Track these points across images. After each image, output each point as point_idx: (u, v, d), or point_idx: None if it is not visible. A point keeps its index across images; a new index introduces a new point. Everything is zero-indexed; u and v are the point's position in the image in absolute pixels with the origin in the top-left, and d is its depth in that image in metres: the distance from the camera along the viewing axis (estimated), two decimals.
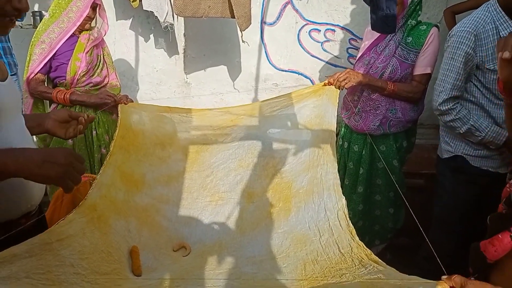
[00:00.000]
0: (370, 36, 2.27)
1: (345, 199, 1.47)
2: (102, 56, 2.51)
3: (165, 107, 1.92)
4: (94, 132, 2.46)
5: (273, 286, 1.27)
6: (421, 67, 2.13)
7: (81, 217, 1.25)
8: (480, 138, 1.79)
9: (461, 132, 1.82)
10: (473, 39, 1.71)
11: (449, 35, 1.83)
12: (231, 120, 1.90)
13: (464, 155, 1.90)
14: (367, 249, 1.20)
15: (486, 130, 1.78)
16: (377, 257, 1.15)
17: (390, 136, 2.26)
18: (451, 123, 1.84)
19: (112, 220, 1.40)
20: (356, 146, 2.37)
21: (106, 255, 1.27)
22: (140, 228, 1.51)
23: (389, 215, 2.42)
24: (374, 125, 2.22)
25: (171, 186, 1.74)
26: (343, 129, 2.46)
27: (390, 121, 2.23)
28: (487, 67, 1.73)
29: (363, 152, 2.34)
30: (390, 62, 2.12)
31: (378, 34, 2.18)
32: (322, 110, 1.84)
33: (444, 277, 0.87)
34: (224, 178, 1.79)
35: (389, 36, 2.14)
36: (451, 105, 1.82)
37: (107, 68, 2.55)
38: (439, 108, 1.85)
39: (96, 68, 2.46)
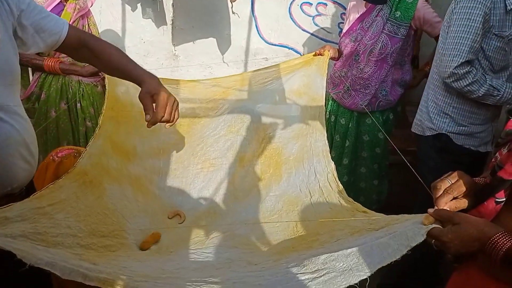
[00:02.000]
0: (355, 10, 2.24)
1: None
2: (87, 26, 2.44)
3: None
4: (78, 105, 2.42)
5: (266, 242, 1.32)
6: (440, 24, 2.04)
7: (72, 182, 1.25)
8: (499, 97, 1.73)
9: (480, 95, 1.73)
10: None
11: None
12: (222, 93, 1.90)
13: (448, 133, 1.91)
14: (356, 203, 1.27)
15: (504, 88, 1.72)
16: (366, 208, 1.21)
17: (376, 112, 2.27)
18: (468, 87, 1.74)
19: (106, 184, 1.41)
20: (343, 119, 2.40)
21: (103, 217, 1.29)
22: (135, 194, 1.53)
23: (374, 186, 2.48)
24: (363, 104, 2.22)
25: (162, 158, 1.76)
26: (330, 102, 2.48)
27: (380, 101, 2.24)
28: (494, 32, 1.69)
29: (350, 125, 2.38)
30: (380, 39, 2.11)
31: (364, 9, 2.16)
32: (310, 80, 1.85)
33: (430, 210, 0.91)
34: (214, 145, 1.82)
35: (375, 11, 2.12)
36: (467, 68, 1.72)
37: (91, 31, 2.47)
38: (455, 72, 1.73)
39: None
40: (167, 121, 1.22)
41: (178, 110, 1.26)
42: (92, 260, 1.01)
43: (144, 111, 1.20)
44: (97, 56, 1.27)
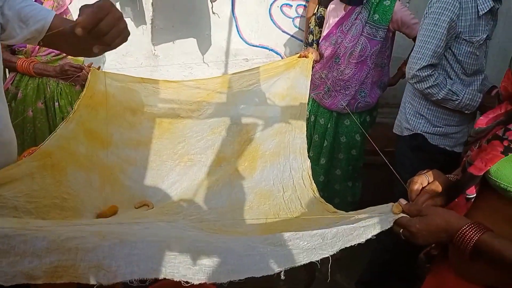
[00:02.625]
0: (334, 13, 2.28)
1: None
2: None
3: (137, 77, 1.89)
4: (56, 104, 2.38)
5: (234, 231, 1.30)
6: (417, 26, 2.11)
7: (32, 160, 1.18)
8: (457, 102, 1.81)
9: (439, 98, 1.82)
10: (458, 6, 1.71)
11: (430, 1, 1.81)
12: (206, 95, 1.89)
13: (424, 133, 1.97)
14: (327, 204, 1.27)
15: (463, 93, 1.79)
16: (336, 210, 1.21)
17: (355, 114, 2.33)
18: (429, 90, 1.83)
19: (69, 171, 1.35)
20: (323, 119, 2.44)
21: (60, 201, 1.23)
22: (102, 184, 1.49)
23: (348, 188, 2.54)
24: (342, 105, 2.27)
25: (139, 150, 1.73)
26: (310, 102, 2.52)
27: (358, 102, 2.29)
28: (463, 37, 1.75)
29: (329, 126, 2.42)
30: (359, 41, 2.16)
31: (343, 12, 2.20)
32: (294, 81, 1.87)
33: (402, 200, 0.93)
34: (196, 144, 1.81)
35: (354, 14, 2.17)
36: (429, 71, 1.80)
37: None
38: (417, 74, 1.82)
39: None
40: (104, 33, 0.87)
41: (123, 36, 0.92)
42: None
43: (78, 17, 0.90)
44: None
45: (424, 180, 1.00)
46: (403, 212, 0.92)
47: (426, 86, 1.83)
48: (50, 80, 2.32)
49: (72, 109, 2.37)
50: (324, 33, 2.34)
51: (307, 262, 0.80)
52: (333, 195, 2.56)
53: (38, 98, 2.34)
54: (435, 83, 1.81)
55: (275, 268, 0.77)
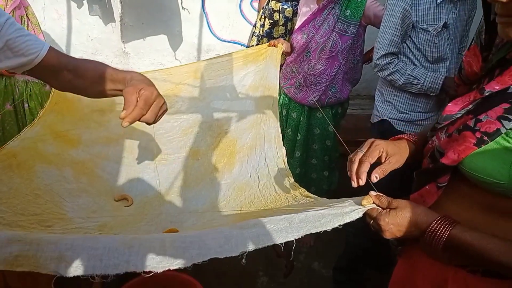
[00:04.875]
0: (306, 5, 2.30)
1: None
2: (25, 16, 2.30)
3: None
4: (26, 106, 2.32)
5: (210, 227, 1.29)
6: None
7: None
8: (419, 86, 1.90)
9: (400, 83, 1.93)
10: None
11: None
12: (174, 87, 1.86)
13: (390, 119, 2.05)
14: (301, 188, 1.27)
15: (424, 77, 1.88)
16: (310, 193, 1.21)
17: (326, 108, 2.37)
18: (390, 77, 1.94)
19: (38, 168, 1.31)
20: (295, 113, 2.47)
21: (33, 197, 1.20)
22: (77, 176, 1.45)
23: (324, 177, 2.59)
24: (313, 100, 2.31)
25: (110, 146, 1.70)
26: (282, 96, 2.54)
27: (329, 98, 2.33)
28: (420, 26, 1.84)
29: (301, 119, 2.45)
30: (331, 37, 2.19)
31: (316, 7, 2.23)
32: (265, 73, 1.87)
33: (372, 192, 0.93)
34: (168, 144, 1.78)
35: (326, 10, 2.19)
36: (388, 59, 1.92)
37: (33, 29, 2.36)
38: (377, 63, 1.95)
39: None
40: (148, 122, 1.04)
41: (165, 112, 1.10)
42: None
43: (124, 106, 1.02)
44: (81, 75, 1.14)
45: (360, 155, 0.99)
46: (374, 203, 0.91)
47: (387, 74, 1.95)
48: (18, 81, 2.25)
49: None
50: (297, 26, 2.36)
51: (270, 244, 0.79)
52: (309, 184, 2.59)
53: (6, 99, 2.28)
54: (395, 69, 1.92)
55: (240, 249, 0.76)
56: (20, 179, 1.22)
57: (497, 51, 0.92)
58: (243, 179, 1.55)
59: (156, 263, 0.72)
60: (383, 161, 0.99)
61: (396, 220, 0.87)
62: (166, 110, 1.10)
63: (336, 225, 0.84)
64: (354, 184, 0.95)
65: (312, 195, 1.20)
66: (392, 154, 0.99)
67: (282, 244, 0.78)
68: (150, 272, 0.70)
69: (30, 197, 1.20)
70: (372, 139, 1.02)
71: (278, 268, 2.31)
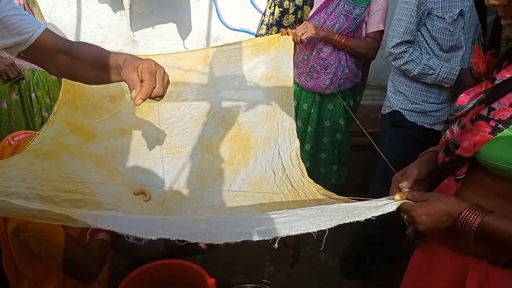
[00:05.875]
0: None
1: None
2: (25, 5, 2.26)
3: None
4: (33, 95, 2.32)
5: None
6: (374, 24, 2.20)
7: (23, 156, 1.16)
8: (434, 76, 1.86)
9: (415, 73, 1.88)
10: None
11: None
12: (184, 73, 1.83)
13: (401, 110, 2.02)
14: (317, 184, 1.28)
15: (440, 67, 1.85)
16: (328, 191, 1.21)
17: (339, 94, 2.34)
18: (405, 66, 1.90)
19: (64, 156, 1.32)
20: (306, 104, 2.44)
21: (65, 178, 1.20)
22: (98, 169, 1.47)
23: (333, 172, 2.56)
24: (325, 84, 2.29)
25: (124, 138, 1.70)
26: (293, 86, 2.51)
27: (340, 79, 2.31)
28: (436, 13, 1.80)
29: (312, 111, 2.43)
30: (339, 20, 2.17)
31: None
32: (278, 63, 1.84)
33: (405, 189, 0.95)
34: (180, 135, 1.78)
35: None
36: (403, 48, 1.88)
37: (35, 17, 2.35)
38: (391, 51, 1.90)
39: None
40: (159, 95, 1.00)
41: (168, 83, 1.06)
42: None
43: (130, 87, 0.99)
44: (76, 57, 1.12)
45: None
46: (407, 198, 0.92)
47: (402, 63, 1.90)
48: (25, 70, 2.25)
49: (49, 100, 2.35)
50: (310, 14, 2.35)
51: (303, 232, 0.77)
52: (317, 178, 2.58)
53: (12, 89, 2.27)
54: (410, 58, 1.87)
55: (272, 234, 0.75)
56: (50, 163, 1.22)
57: (507, 43, 0.92)
58: (258, 173, 1.54)
59: (189, 237, 0.73)
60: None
61: (429, 211, 0.88)
62: (169, 80, 1.06)
63: (369, 216, 0.84)
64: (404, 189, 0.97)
65: (331, 193, 1.19)
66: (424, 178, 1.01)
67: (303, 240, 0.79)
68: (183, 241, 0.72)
69: (63, 178, 1.20)
70: (404, 169, 1.04)
71: (285, 258, 2.31)
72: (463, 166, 0.93)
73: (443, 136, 1.02)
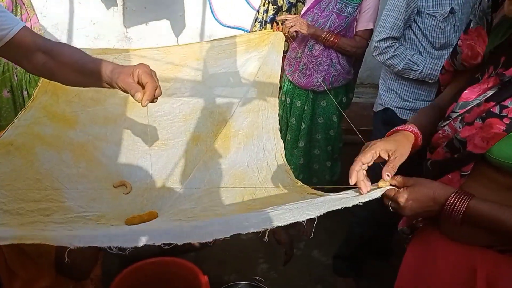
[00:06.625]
0: None
1: (288, 154, 1.52)
2: None
3: (98, 49, 1.77)
4: (25, 93, 2.30)
5: (213, 214, 1.29)
6: (364, 23, 2.20)
7: None
8: (418, 72, 1.87)
9: (400, 68, 1.89)
10: None
11: None
12: (173, 68, 1.80)
13: (393, 107, 2.02)
14: (304, 185, 1.26)
15: (424, 63, 1.86)
16: (315, 190, 1.19)
17: (331, 92, 2.35)
18: (389, 61, 1.91)
19: (38, 150, 1.30)
20: (299, 101, 2.45)
21: (34, 182, 1.18)
22: (76, 160, 1.43)
23: (327, 168, 2.57)
24: (318, 81, 2.29)
25: (108, 127, 1.66)
26: (286, 83, 2.52)
27: (332, 76, 2.32)
28: (426, 11, 1.81)
29: (305, 108, 2.43)
30: (330, 17, 2.18)
31: None
32: (267, 58, 1.83)
33: (387, 175, 0.92)
34: (168, 128, 1.75)
35: None
36: (389, 43, 1.89)
37: (26, 11, 2.32)
38: (377, 45, 1.91)
39: (12, 13, 2.23)
40: (159, 95, 1.06)
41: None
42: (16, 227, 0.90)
43: (131, 91, 1.02)
44: (55, 58, 1.11)
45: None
46: (390, 185, 0.91)
47: (386, 57, 1.91)
48: (17, 67, 2.23)
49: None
50: (303, 11, 2.35)
51: (293, 221, 0.78)
52: (311, 175, 2.59)
53: (3, 87, 2.25)
54: (395, 53, 1.88)
55: (261, 226, 0.77)
56: (22, 160, 1.21)
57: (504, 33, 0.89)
58: (239, 167, 1.52)
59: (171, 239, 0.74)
60: (387, 158, 0.96)
61: (415, 195, 0.88)
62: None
63: (356, 202, 0.84)
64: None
65: (318, 192, 1.17)
66: (394, 150, 0.96)
67: (295, 238, 0.80)
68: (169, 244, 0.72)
69: (30, 182, 1.18)
70: (368, 142, 1.01)
71: (278, 256, 2.32)
72: (470, 163, 0.92)
73: (440, 132, 0.99)
